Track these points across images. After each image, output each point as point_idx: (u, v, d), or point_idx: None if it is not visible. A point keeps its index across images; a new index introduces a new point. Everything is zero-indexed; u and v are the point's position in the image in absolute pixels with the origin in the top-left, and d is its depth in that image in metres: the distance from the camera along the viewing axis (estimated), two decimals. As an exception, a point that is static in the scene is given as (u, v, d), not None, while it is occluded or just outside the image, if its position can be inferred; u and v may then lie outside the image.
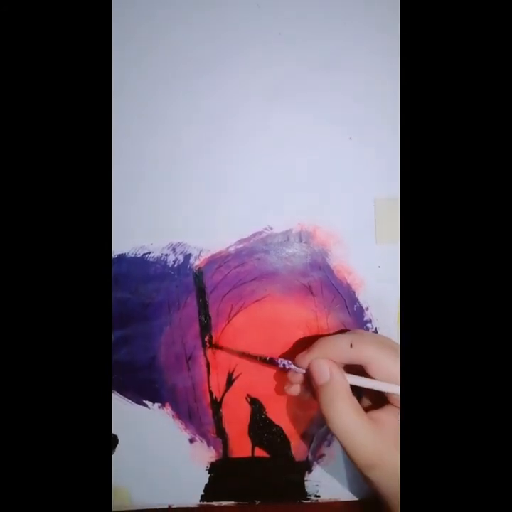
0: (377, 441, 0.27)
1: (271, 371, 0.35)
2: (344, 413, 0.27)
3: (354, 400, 0.28)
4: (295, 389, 0.32)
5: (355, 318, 0.35)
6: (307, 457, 0.36)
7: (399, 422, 0.28)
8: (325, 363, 0.29)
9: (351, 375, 0.30)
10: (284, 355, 0.35)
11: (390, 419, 0.29)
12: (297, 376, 0.32)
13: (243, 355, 0.34)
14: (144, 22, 0.33)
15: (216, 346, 0.35)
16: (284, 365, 0.32)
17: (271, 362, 0.32)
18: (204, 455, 0.36)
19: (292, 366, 0.31)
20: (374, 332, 0.35)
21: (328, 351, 0.30)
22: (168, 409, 0.36)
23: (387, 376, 0.28)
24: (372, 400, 0.31)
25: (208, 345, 0.35)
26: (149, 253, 0.34)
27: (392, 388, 0.28)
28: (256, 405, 0.35)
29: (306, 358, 0.30)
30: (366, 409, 0.29)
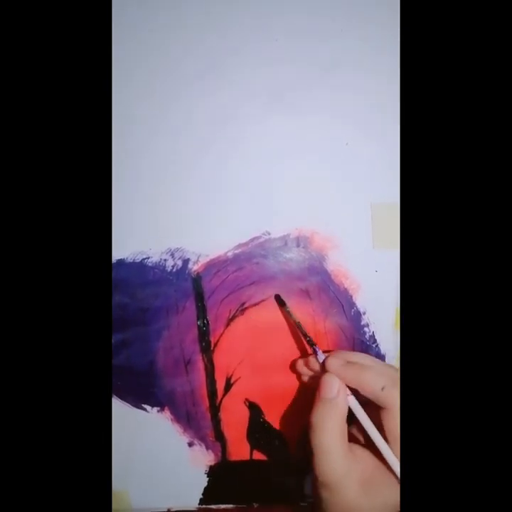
0: (344, 470, 0.28)
1: (269, 375, 0.35)
2: (330, 433, 0.28)
3: (345, 425, 0.29)
4: (303, 370, 0.34)
5: (353, 323, 0.35)
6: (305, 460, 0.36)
7: (374, 465, 0.29)
8: (336, 382, 0.29)
9: (360, 406, 0.30)
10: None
11: (366, 459, 0.29)
12: (315, 365, 0.33)
13: (297, 325, 0.33)
14: (145, 27, 0.33)
15: (280, 301, 0.34)
16: (318, 355, 0.32)
17: (310, 343, 0.33)
18: (203, 458, 0.37)
19: (321, 356, 0.32)
20: (371, 336, 0.35)
21: (360, 379, 0.29)
22: (166, 413, 0.36)
23: (393, 435, 0.28)
24: (364, 435, 0.31)
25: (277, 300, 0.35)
26: (148, 258, 0.34)
27: (385, 450, 0.28)
28: (254, 409, 0.36)
29: (339, 369, 0.30)
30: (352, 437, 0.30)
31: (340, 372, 0.30)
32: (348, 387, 0.30)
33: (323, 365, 0.31)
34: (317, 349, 0.32)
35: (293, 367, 0.35)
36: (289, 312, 0.34)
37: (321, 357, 0.31)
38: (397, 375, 0.30)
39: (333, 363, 0.30)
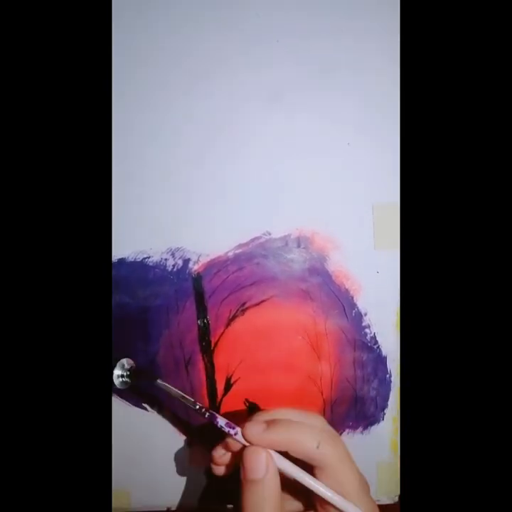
0: None
1: (269, 375, 0.35)
2: None
3: (280, 502, 0.25)
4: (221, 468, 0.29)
5: (354, 324, 0.35)
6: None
7: None
8: (263, 456, 0.25)
9: (293, 465, 0.26)
10: (281, 365, 0.35)
11: None
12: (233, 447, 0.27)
13: (183, 398, 0.30)
14: (145, 27, 0.33)
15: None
16: (228, 431, 0.26)
17: (210, 417, 0.28)
18: (202, 458, 0.36)
19: (238, 436, 0.26)
20: (372, 338, 0.35)
21: (289, 440, 0.25)
22: (167, 413, 0.36)
23: (336, 488, 0.25)
24: (300, 500, 0.28)
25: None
26: (149, 257, 0.34)
27: (335, 500, 0.24)
28: (254, 409, 0.36)
29: (261, 436, 0.25)
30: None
31: (263, 441, 0.25)
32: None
33: (239, 439, 0.26)
34: (217, 417, 0.27)
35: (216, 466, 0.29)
36: (167, 386, 0.30)
37: (235, 432, 0.26)
38: (327, 427, 0.26)
39: (252, 431, 0.25)
